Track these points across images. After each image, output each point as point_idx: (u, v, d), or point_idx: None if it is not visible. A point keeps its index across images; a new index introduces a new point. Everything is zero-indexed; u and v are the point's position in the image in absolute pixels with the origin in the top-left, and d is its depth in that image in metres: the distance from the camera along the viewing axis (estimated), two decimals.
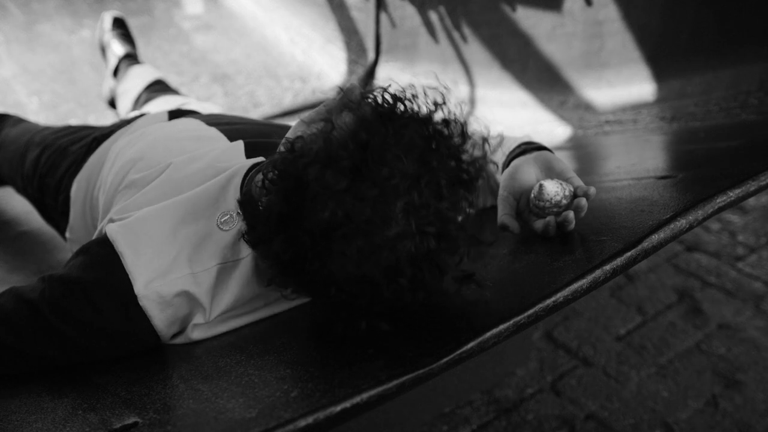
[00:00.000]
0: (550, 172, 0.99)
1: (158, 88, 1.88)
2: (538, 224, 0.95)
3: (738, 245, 2.08)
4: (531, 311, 0.78)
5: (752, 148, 1.22)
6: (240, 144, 1.10)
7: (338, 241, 0.73)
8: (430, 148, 0.76)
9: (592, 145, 1.81)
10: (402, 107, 0.79)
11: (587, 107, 1.95)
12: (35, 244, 1.63)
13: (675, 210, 0.88)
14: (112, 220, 1.00)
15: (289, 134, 0.88)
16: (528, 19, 2.02)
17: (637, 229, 0.88)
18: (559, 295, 0.80)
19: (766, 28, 1.59)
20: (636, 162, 1.38)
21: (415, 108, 0.80)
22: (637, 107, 1.82)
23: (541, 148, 1.04)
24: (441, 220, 0.76)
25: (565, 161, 1.00)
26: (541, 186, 0.95)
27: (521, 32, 2.05)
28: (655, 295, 1.90)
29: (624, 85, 1.88)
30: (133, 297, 0.89)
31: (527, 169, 1.00)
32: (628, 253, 0.84)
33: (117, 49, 2.13)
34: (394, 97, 0.79)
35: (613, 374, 1.65)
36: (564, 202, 0.94)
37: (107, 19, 2.20)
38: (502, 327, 0.76)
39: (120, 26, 2.20)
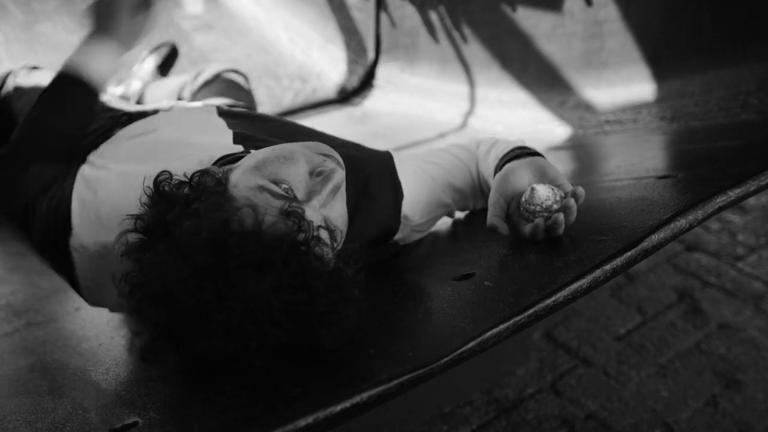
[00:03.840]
0: (543, 177, 0.99)
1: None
2: (527, 228, 0.95)
3: (738, 245, 2.08)
4: (531, 311, 0.78)
5: (752, 148, 1.22)
6: (239, 148, 1.10)
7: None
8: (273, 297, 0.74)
9: (592, 145, 1.81)
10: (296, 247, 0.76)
11: (587, 107, 1.95)
12: None
13: (675, 210, 0.88)
14: (89, 162, 1.08)
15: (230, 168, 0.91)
16: (528, 19, 2.01)
17: (637, 228, 0.88)
18: (559, 295, 0.80)
19: (766, 28, 1.59)
20: (636, 162, 1.38)
21: (307, 258, 0.77)
22: (637, 107, 1.82)
23: (534, 153, 1.05)
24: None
25: (558, 168, 1.00)
26: (532, 189, 0.95)
27: (521, 32, 2.05)
28: (655, 295, 1.90)
29: (624, 85, 1.88)
30: (66, 243, 0.98)
31: (520, 173, 1.01)
32: (628, 253, 0.84)
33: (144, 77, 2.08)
34: (300, 238, 0.78)
35: (613, 374, 1.65)
36: (555, 206, 0.94)
37: (152, 62, 2.11)
38: (502, 327, 0.76)
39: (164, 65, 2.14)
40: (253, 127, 1.20)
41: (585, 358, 1.69)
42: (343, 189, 0.91)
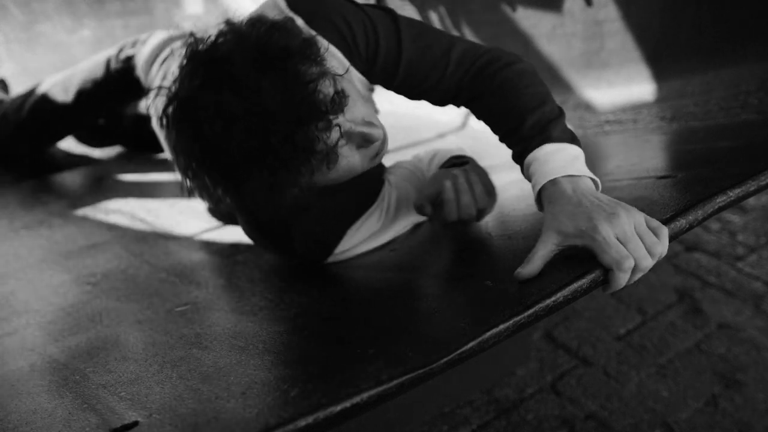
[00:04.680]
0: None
1: None
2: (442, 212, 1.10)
3: (738, 245, 2.08)
4: (531, 311, 0.78)
5: (752, 148, 1.22)
6: None
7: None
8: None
9: (592, 145, 1.80)
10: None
11: (587, 107, 1.95)
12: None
13: (675, 210, 0.88)
14: None
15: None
16: (528, 19, 2.01)
17: None
18: (559, 295, 0.80)
19: (766, 28, 1.59)
20: (636, 162, 1.38)
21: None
22: (637, 107, 1.82)
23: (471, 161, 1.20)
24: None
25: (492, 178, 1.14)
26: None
27: (521, 32, 2.05)
28: (655, 295, 1.90)
29: (624, 85, 1.88)
30: None
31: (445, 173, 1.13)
32: None
33: None
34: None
35: (613, 374, 1.65)
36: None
37: None
38: (502, 327, 0.76)
39: None
40: None
41: (585, 358, 1.69)
42: (373, 147, 0.98)
